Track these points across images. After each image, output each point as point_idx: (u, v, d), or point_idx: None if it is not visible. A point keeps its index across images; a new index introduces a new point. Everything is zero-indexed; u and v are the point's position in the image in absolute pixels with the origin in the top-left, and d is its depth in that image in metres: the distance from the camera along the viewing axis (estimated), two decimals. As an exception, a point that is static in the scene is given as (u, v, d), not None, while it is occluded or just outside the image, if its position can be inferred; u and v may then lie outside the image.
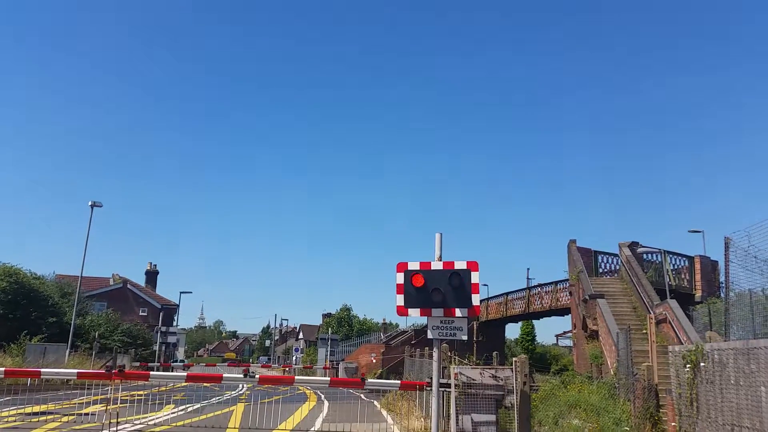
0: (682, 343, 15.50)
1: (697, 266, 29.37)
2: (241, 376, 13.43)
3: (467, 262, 10.79)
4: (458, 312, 10.76)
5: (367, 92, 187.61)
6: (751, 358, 7.19)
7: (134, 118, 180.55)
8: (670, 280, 27.01)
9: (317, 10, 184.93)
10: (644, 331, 20.08)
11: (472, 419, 11.33)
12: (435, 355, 11.18)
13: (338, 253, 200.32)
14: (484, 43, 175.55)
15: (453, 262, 10.82)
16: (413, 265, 10.88)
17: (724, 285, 13.03)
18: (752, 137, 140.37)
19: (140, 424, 12.94)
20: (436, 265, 10.87)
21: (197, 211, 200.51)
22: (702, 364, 8.28)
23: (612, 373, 18.10)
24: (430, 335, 10.96)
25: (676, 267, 30.11)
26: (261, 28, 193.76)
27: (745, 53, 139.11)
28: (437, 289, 10.57)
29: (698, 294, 28.38)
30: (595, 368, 21.74)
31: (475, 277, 10.70)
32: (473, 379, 11.50)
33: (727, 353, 7.76)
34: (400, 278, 10.90)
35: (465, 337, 10.98)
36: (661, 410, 11.99)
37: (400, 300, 10.89)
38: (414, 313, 11.10)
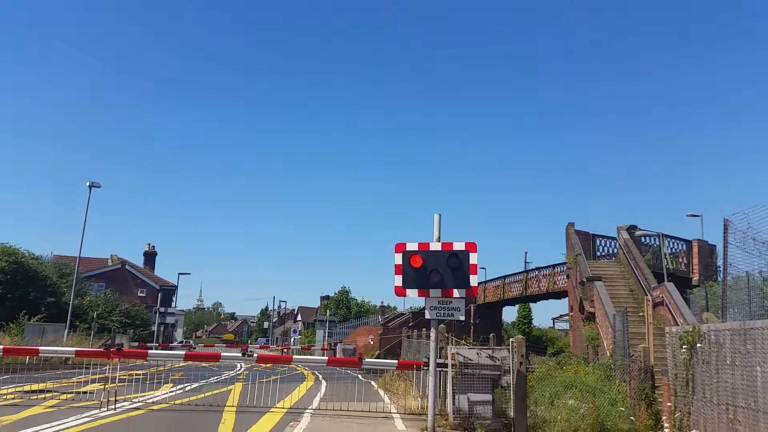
0: (678, 325, 15.57)
1: (695, 250, 29.41)
2: (240, 355, 13.50)
3: (466, 243, 10.79)
4: (456, 293, 10.78)
5: (368, 75, 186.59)
6: (748, 339, 7.21)
7: (133, 100, 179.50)
8: (667, 263, 27.09)
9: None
10: (641, 314, 20.17)
11: (468, 399, 11.40)
12: (432, 335, 11.22)
13: (338, 235, 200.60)
14: (484, 32, 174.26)
15: (452, 243, 10.82)
16: (412, 246, 10.88)
17: (721, 268, 13.05)
18: (751, 124, 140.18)
19: (138, 402, 13.01)
20: (435, 246, 10.87)
21: (196, 193, 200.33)
22: (699, 344, 8.31)
23: (608, 354, 18.19)
24: (427, 315, 10.99)
25: (673, 251, 30.17)
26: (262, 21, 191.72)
27: (738, 43, 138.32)
28: (435, 269, 10.58)
29: (695, 278, 28.46)
30: (592, 350, 21.87)
31: (473, 258, 10.72)
32: (470, 360, 11.55)
33: (723, 334, 7.78)
34: (398, 259, 10.91)
35: (462, 318, 11.02)
36: (656, 391, 12.06)
37: (398, 280, 10.90)
38: (412, 293, 11.12)
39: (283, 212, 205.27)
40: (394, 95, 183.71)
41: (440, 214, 11.32)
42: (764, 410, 6.86)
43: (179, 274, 53.74)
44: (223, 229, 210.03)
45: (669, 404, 9.20)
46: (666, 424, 9.14)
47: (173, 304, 56.64)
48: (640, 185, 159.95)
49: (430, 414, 10.87)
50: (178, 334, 72.87)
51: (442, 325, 12.17)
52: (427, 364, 12.01)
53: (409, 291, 10.98)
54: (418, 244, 10.94)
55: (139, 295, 53.44)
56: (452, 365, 11.45)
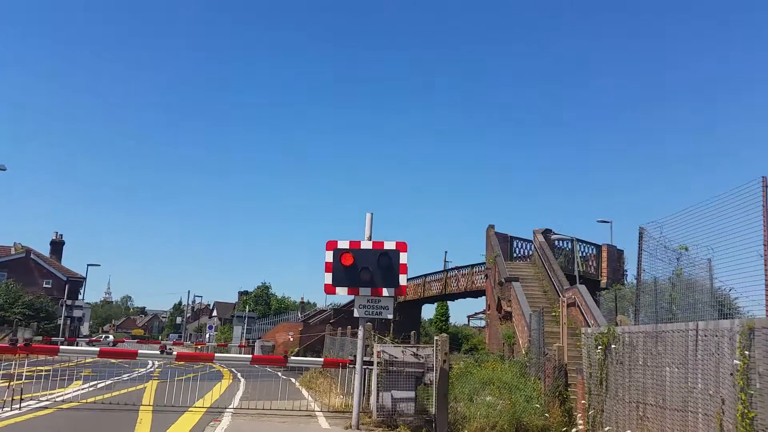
0: (589, 326, 16.35)
1: (604, 254, 31.00)
2: (158, 353, 13.05)
3: (396, 242, 10.92)
4: (385, 292, 10.90)
5: (288, 72, 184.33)
6: (659, 341, 7.70)
7: (43, 78, 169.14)
8: (579, 266, 28.39)
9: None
10: (553, 314, 21.06)
11: (392, 396, 11.55)
12: (360, 333, 11.28)
13: (257, 229, 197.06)
14: (403, 35, 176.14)
15: (383, 242, 10.92)
16: (343, 244, 10.90)
17: (632, 272, 13.86)
18: (670, 137, 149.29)
19: (46, 400, 12.32)
20: (366, 245, 10.93)
21: (107, 182, 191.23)
22: (613, 345, 8.78)
23: (523, 352, 18.88)
24: (356, 314, 11.04)
25: (584, 254, 31.66)
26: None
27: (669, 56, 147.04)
28: (366, 268, 10.65)
29: (604, 280, 29.98)
30: (507, 348, 22.60)
31: (403, 258, 10.86)
32: (395, 357, 11.70)
33: (637, 336, 8.27)
34: (329, 256, 10.89)
35: (390, 316, 11.16)
36: (569, 388, 12.66)
37: (328, 278, 10.89)
38: (341, 291, 11.13)
39: (201, 205, 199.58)
40: (322, 90, 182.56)
41: (372, 213, 11.40)
42: (671, 407, 7.35)
43: (88, 265, 51.12)
44: (136, 220, 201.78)
45: (583, 402, 9.67)
46: (580, 421, 9.61)
47: (81, 297, 53.86)
48: (556, 189, 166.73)
49: (354, 411, 10.93)
50: (85, 328, 69.33)
51: (368, 323, 12.23)
52: (353, 362, 12.06)
53: (338, 289, 10.98)
54: (350, 242, 10.97)
55: (44, 286, 50.39)
56: (378, 363, 11.56)
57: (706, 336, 6.74)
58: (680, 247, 9.78)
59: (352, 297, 11.74)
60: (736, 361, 6.06)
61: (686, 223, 9.23)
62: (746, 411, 5.83)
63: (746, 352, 5.95)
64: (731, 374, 6.16)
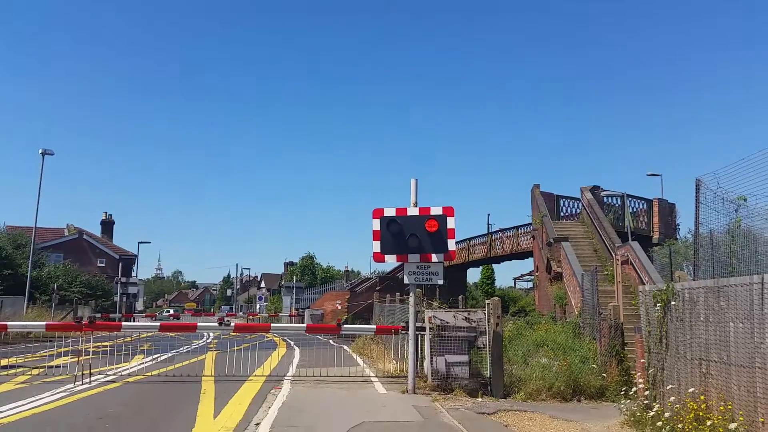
0: (644, 283, 16.02)
1: (655, 209, 30.21)
2: (216, 324, 13.41)
3: (443, 207, 10.85)
4: (434, 257, 10.88)
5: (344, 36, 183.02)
6: (721, 296, 7.46)
7: (89, 68, 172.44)
8: (630, 222, 27.77)
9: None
10: (606, 273, 20.72)
11: (446, 360, 11.60)
12: (411, 299, 11.32)
13: (300, 200, 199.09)
14: None
15: (429, 208, 10.87)
16: (389, 212, 10.89)
17: (685, 226, 13.47)
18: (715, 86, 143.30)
19: (113, 374, 12.82)
20: (412, 211, 10.90)
21: (154, 162, 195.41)
22: (672, 302, 8.56)
23: (576, 313, 18.69)
24: (406, 280, 11.06)
25: (634, 210, 30.92)
26: None
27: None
28: (414, 234, 10.63)
29: (655, 236, 29.29)
30: (559, 309, 22.42)
31: (450, 223, 10.80)
32: (447, 322, 11.73)
33: (697, 292, 8.03)
34: (376, 224, 10.91)
35: (441, 282, 11.15)
36: (626, 348, 12.50)
37: (376, 246, 10.92)
38: (390, 259, 11.17)
39: (244, 179, 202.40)
40: (364, 62, 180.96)
41: (417, 179, 11.32)
42: (736, 363, 7.15)
43: (139, 243, 52.74)
44: (181, 197, 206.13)
45: (642, 360, 9.51)
46: (640, 380, 9.47)
47: (134, 274, 55.67)
48: (602, 145, 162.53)
49: (410, 376, 11.05)
50: (139, 303, 71.87)
51: (418, 290, 12.27)
52: (404, 329, 12.15)
53: (387, 256, 11.01)
54: (396, 209, 10.95)
55: (98, 265, 52.26)
56: (429, 328, 11.61)
57: (773, 289, 6.48)
58: (738, 198, 9.41)
59: (397, 264, 11.76)
60: (808, 315, 5.83)
61: (744, 174, 8.85)
62: (821, 365, 5.62)
63: (819, 305, 5.71)
64: (802, 328, 5.94)
